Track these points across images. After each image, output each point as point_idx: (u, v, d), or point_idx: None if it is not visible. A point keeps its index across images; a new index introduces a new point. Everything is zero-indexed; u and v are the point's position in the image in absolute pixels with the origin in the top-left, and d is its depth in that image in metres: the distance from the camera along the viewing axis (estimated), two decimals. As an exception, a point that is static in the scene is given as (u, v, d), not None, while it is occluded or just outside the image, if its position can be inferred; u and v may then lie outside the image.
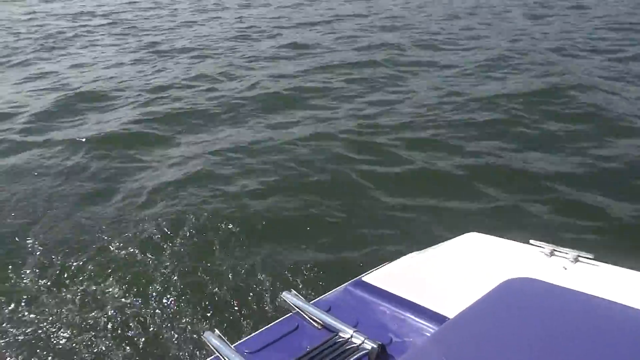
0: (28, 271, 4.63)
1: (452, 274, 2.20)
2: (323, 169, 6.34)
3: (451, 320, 1.61)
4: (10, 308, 4.17)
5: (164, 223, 5.14)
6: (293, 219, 5.21)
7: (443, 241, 2.50)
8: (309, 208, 5.40)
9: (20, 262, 4.78)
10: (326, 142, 7.09)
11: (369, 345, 1.69)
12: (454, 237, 2.51)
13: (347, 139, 7.14)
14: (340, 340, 1.74)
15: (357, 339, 1.73)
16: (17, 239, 5.17)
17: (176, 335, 3.70)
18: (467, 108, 7.96)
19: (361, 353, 1.67)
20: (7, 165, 7.07)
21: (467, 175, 5.95)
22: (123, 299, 4.14)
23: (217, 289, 4.13)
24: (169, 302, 4.06)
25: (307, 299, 2.02)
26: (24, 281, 4.51)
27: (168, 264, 4.50)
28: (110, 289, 4.28)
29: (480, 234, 2.47)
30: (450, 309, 1.86)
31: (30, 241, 5.12)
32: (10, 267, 4.69)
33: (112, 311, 3.98)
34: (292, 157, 6.70)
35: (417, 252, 2.42)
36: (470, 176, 5.92)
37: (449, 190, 5.65)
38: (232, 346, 1.74)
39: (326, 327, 1.86)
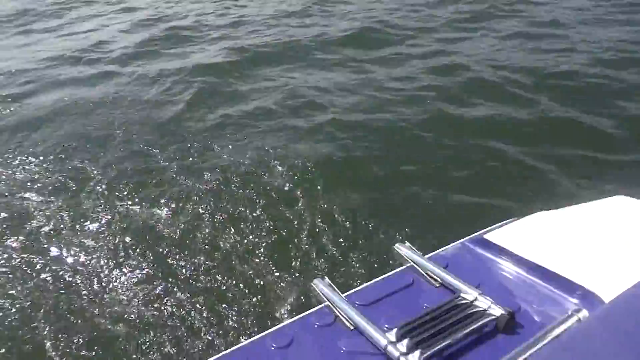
0: (103, 196, 4.88)
1: (594, 240, 1.96)
2: (437, 110, 5.97)
3: (615, 300, 1.44)
4: (75, 229, 4.44)
5: (257, 158, 5.18)
6: (404, 163, 4.99)
7: (582, 202, 2.24)
8: (422, 152, 5.16)
9: (95, 186, 5.07)
10: (438, 81, 6.65)
11: (497, 311, 1.56)
12: (596, 199, 2.25)
13: (464, 78, 6.65)
14: (463, 302, 1.62)
15: (483, 303, 1.60)
16: (90, 163, 5.53)
17: (279, 281, 3.65)
18: (606, 58, 7.12)
19: (488, 319, 1.54)
20: (96, 93, 7.54)
21: (612, 131, 5.29)
22: (213, 233, 4.20)
23: (323, 233, 4.05)
24: (269, 243, 4.02)
25: (422, 252, 1.90)
26: (94, 206, 4.75)
27: (264, 202, 4.49)
28: (195, 224, 4.36)
29: (631, 198, 2.19)
30: (591, 280, 1.67)
31: (103, 167, 5.40)
32: (83, 188, 5.03)
33: (203, 249, 4.07)
34: (399, 95, 6.38)
35: (550, 210, 2.19)
36: (617, 133, 5.25)
37: (591, 145, 5.08)
38: (342, 295, 1.68)
39: (444, 286, 1.75)
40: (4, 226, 4.54)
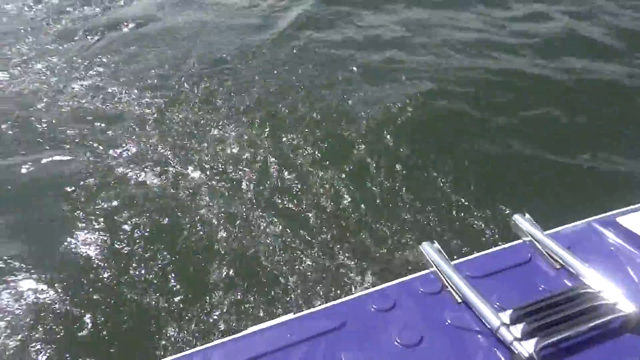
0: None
1: None
2: (569, 60, 5.45)
3: None
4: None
5: (352, 95, 5.06)
6: (525, 120, 4.65)
7: None
8: (547, 110, 4.75)
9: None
10: (575, 27, 6.09)
11: (627, 307, 1.43)
12: None
13: (609, 26, 6.04)
14: (589, 292, 1.49)
15: (611, 296, 1.46)
16: (180, 80, 5.74)
17: (383, 238, 3.55)
18: None
19: (615, 315, 1.42)
20: (191, 16, 7.62)
21: None
22: (303, 173, 4.21)
23: (428, 190, 3.90)
24: (370, 194, 3.93)
25: (542, 227, 1.77)
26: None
27: (362, 145, 4.41)
28: (279, 156, 4.39)
29: None
30: None
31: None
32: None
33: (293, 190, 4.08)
34: (525, 39, 5.89)
35: None
36: None
37: None
38: (452, 263, 1.61)
39: (566, 269, 1.62)
40: (101, 126, 4.97)
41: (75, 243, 3.62)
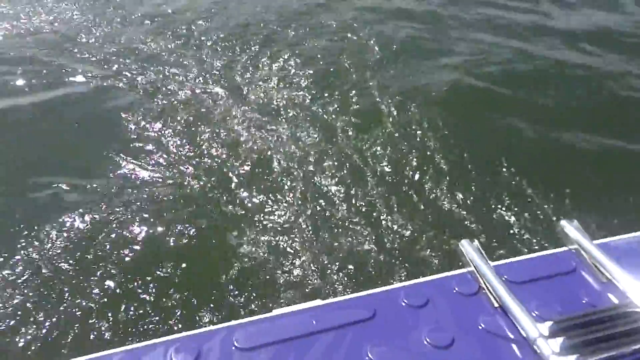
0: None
1: None
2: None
3: None
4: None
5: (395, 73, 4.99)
6: (579, 116, 4.44)
7: None
8: (607, 108, 4.57)
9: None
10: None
11: None
12: None
13: None
14: (636, 312, 1.43)
15: None
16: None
17: (420, 234, 3.48)
18: None
19: None
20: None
21: None
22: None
23: (470, 187, 3.76)
24: (410, 190, 3.85)
25: (590, 236, 1.69)
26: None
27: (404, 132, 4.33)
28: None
29: None
30: None
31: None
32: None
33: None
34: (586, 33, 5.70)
35: None
36: None
37: None
38: (491, 264, 1.56)
39: (612, 283, 1.55)
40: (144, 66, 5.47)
41: (132, 171, 4.00)
